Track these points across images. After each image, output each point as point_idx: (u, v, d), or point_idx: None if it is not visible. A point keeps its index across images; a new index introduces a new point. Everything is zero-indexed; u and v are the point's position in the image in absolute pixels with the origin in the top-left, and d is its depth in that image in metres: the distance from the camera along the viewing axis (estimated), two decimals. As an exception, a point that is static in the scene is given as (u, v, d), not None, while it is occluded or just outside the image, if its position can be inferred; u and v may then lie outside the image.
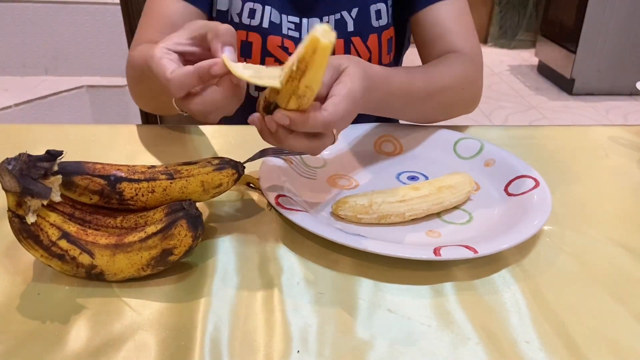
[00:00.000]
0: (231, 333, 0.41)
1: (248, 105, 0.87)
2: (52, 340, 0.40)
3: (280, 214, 0.55)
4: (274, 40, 0.77)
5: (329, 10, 0.78)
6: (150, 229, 0.45)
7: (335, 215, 0.55)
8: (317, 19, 0.78)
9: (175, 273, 0.48)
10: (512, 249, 0.49)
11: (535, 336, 0.42)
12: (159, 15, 0.75)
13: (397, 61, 0.90)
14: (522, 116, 2.77)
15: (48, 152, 0.42)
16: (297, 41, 0.78)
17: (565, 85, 3.06)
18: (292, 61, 0.44)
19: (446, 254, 0.47)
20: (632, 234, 0.55)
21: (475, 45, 0.77)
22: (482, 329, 0.42)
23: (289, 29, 0.78)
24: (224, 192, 0.51)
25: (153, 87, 0.70)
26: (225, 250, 0.51)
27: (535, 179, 0.59)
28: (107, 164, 0.48)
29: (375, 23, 0.79)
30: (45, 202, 0.43)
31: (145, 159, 0.68)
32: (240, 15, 0.77)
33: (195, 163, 0.50)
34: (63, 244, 0.44)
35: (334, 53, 0.78)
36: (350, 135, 0.70)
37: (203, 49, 0.51)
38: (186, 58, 0.52)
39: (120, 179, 0.47)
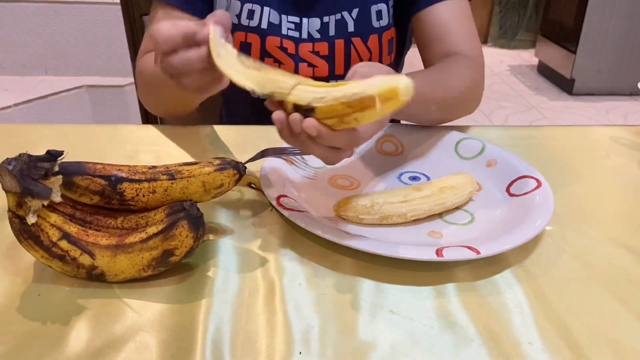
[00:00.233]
0: (233, 334, 0.41)
1: (248, 106, 0.87)
2: (52, 341, 0.40)
3: (281, 215, 0.55)
4: (272, 41, 0.77)
5: (329, 11, 0.78)
6: (151, 230, 0.45)
7: (336, 215, 0.55)
8: (318, 19, 0.78)
9: (176, 274, 0.47)
10: (514, 249, 0.49)
11: (538, 337, 0.42)
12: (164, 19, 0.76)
13: (398, 62, 0.90)
14: (522, 116, 2.77)
15: (48, 152, 0.42)
16: (296, 41, 0.78)
17: (565, 85, 3.06)
18: (356, 90, 0.42)
19: (448, 255, 0.47)
20: (633, 234, 0.55)
21: (477, 47, 0.77)
22: (485, 330, 0.42)
23: (288, 28, 0.78)
24: (225, 192, 0.51)
25: (163, 92, 0.71)
26: (227, 251, 0.51)
27: (537, 180, 0.59)
28: (108, 164, 0.48)
29: (375, 23, 0.79)
30: (45, 203, 0.43)
31: (145, 159, 0.68)
32: (239, 16, 0.77)
33: (196, 163, 0.50)
34: (64, 244, 0.44)
35: (333, 52, 0.79)
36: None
37: None
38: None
39: (121, 180, 0.47)
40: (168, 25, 0.48)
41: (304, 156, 0.65)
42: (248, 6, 0.76)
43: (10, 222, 0.43)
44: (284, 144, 0.65)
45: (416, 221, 0.55)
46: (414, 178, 0.64)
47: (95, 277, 0.45)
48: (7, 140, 0.73)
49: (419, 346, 0.41)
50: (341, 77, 0.81)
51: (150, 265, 0.45)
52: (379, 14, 0.78)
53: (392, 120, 0.98)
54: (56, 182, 0.43)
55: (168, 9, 0.74)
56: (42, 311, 0.43)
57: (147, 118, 1.05)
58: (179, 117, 0.82)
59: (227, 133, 0.75)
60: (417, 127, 0.72)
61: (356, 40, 0.79)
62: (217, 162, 0.51)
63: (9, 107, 1.82)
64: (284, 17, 0.78)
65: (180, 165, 0.50)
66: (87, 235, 0.45)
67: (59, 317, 0.42)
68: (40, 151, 0.42)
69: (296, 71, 0.79)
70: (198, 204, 0.48)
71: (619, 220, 0.58)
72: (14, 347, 0.40)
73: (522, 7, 3.75)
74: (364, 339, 0.41)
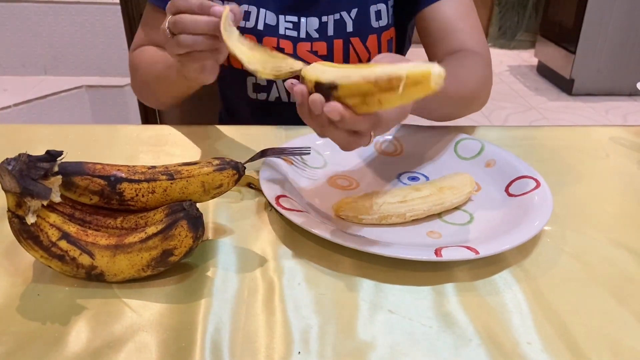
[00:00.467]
0: (232, 334, 0.41)
1: (248, 106, 0.86)
2: (52, 341, 0.40)
3: (280, 215, 0.55)
4: (269, 42, 0.77)
5: (328, 10, 0.78)
6: (151, 230, 0.45)
7: (336, 216, 0.55)
8: (316, 19, 0.78)
9: (175, 274, 0.47)
10: (513, 249, 0.49)
11: (537, 337, 0.42)
12: (153, 20, 0.79)
13: (397, 62, 0.90)
14: (521, 116, 2.77)
15: (48, 152, 0.42)
16: (294, 40, 0.78)
17: (565, 85, 3.06)
18: (387, 69, 0.41)
19: (447, 255, 0.47)
20: (633, 234, 0.55)
21: (484, 43, 0.77)
22: (484, 330, 0.42)
23: (286, 28, 0.78)
24: (224, 192, 0.51)
25: (160, 82, 0.75)
26: (226, 251, 0.51)
27: (536, 180, 0.59)
28: (107, 165, 0.48)
29: (375, 24, 0.79)
30: (45, 203, 0.43)
31: (145, 159, 0.68)
32: None
33: (195, 163, 0.50)
34: (63, 244, 0.44)
35: (332, 52, 0.79)
36: (351, 135, 0.70)
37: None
38: None
39: (121, 180, 0.47)
40: None
41: (303, 156, 0.65)
42: (244, 7, 0.77)
43: (9, 222, 0.43)
44: (283, 144, 0.65)
45: (415, 221, 0.55)
46: (413, 178, 0.64)
47: (94, 277, 0.45)
48: (6, 140, 0.73)
49: (418, 346, 0.41)
50: None
51: (149, 265, 0.45)
52: (378, 14, 0.78)
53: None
54: (56, 182, 0.43)
55: (158, 11, 0.77)
56: (41, 311, 0.43)
57: (147, 118, 1.05)
58: (169, 107, 0.85)
59: (227, 133, 0.75)
60: (416, 128, 0.72)
61: (355, 41, 0.79)
62: (217, 162, 0.51)
63: (9, 107, 1.82)
64: (281, 17, 0.78)
65: (179, 165, 0.50)
66: (87, 235, 0.45)
67: (59, 317, 0.42)
68: (40, 151, 0.42)
69: None
70: (197, 204, 0.48)
71: (618, 220, 0.58)
72: (13, 347, 0.40)
73: (521, 8, 3.75)
74: (363, 338, 0.41)
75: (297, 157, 0.64)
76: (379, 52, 0.80)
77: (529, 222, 0.52)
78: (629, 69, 2.92)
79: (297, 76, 0.48)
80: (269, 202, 0.54)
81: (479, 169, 0.65)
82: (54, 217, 0.44)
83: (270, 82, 0.81)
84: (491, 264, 0.50)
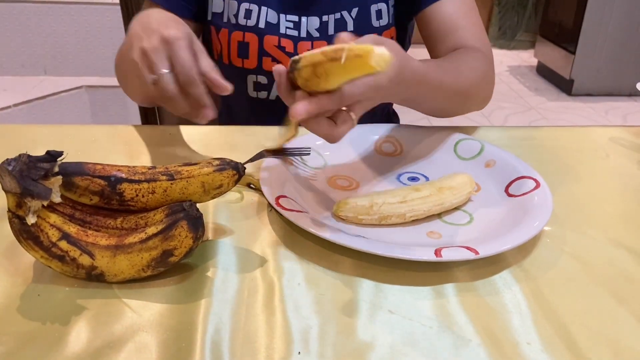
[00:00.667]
0: (232, 334, 0.41)
1: (248, 106, 0.86)
2: (52, 341, 0.40)
3: (280, 215, 0.55)
4: (270, 40, 0.77)
5: (328, 10, 0.78)
6: (151, 230, 0.45)
7: (336, 216, 0.55)
8: (317, 18, 0.78)
9: (175, 274, 0.48)
10: (513, 250, 0.49)
11: (537, 337, 0.42)
12: None
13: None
14: (521, 117, 2.77)
15: (48, 152, 0.42)
16: (295, 40, 0.78)
17: (565, 85, 3.06)
18: (338, 44, 0.43)
19: (447, 255, 0.47)
20: (633, 234, 0.55)
21: (485, 41, 0.77)
22: (484, 330, 0.42)
23: (287, 27, 0.78)
24: (224, 193, 0.51)
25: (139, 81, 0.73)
26: (226, 251, 0.51)
27: (535, 180, 0.59)
28: (108, 165, 0.48)
29: (375, 23, 0.79)
30: (45, 203, 0.43)
31: (145, 159, 0.68)
32: (236, 16, 0.77)
33: (195, 164, 0.50)
34: (63, 245, 0.44)
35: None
36: (351, 135, 0.70)
37: None
38: None
39: (121, 180, 0.47)
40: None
41: (303, 157, 0.65)
42: (245, 5, 0.76)
43: (10, 223, 0.43)
44: (283, 145, 0.65)
45: (415, 221, 0.56)
46: (413, 178, 0.64)
47: (94, 277, 0.45)
48: (6, 140, 0.73)
49: (418, 346, 0.41)
50: None
51: (149, 265, 0.45)
52: (379, 13, 0.79)
53: (392, 121, 0.98)
54: (56, 182, 0.43)
55: (156, 7, 0.75)
56: (41, 311, 0.43)
57: (147, 118, 1.05)
58: (149, 105, 0.83)
59: (227, 133, 0.75)
60: (416, 128, 0.72)
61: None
62: (217, 162, 0.51)
63: (9, 107, 1.82)
64: (282, 16, 0.78)
65: (179, 165, 0.50)
66: (87, 235, 0.45)
67: (59, 317, 0.42)
68: (40, 151, 0.42)
69: None
70: (197, 204, 0.48)
71: (618, 220, 0.58)
72: (13, 348, 0.40)
73: (521, 8, 3.75)
74: (363, 339, 0.41)
75: (297, 157, 0.64)
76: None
77: (528, 222, 0.52)
78: (628, 69, 2.92)
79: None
80: (269, 203, 0.54)
81: (479, 169, 0.65)
82: (54, 218, 0.44)
83: (271, 81, 0.81)
84: (491, 264, 0.50)
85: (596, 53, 2.89)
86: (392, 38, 0.82)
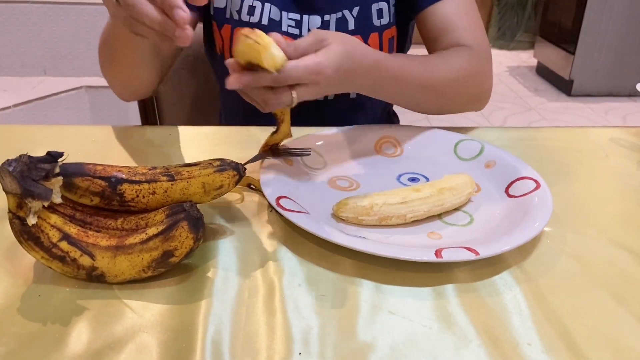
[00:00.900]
0: (232, 335, 0.41)
1: (249, 104, 0.87)
2: (52, 342, 0.40)
3: (281, 216, 0.55)
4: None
5: (330, 9, 0.78)
6: (151, 231, 0.45)
7: (336, 216, 0.55)
8: (318, 17, 0.78)
9: (176, 275, 0.48)
10: (513, 250, 0.49)
11: (537, 338, 0.42)
12: None
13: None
14: (521, 117, 2.78)
15: (49, 153, 0.42)
16: (296, 38, 0.78)
17: (564, 86, 3.07)
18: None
19: (447, 256, 0.47)
20: (633, 235, 0.55)
21: (481, 38, 0.77)
22: (484, 330, 0.42)
23: (289, 26, 0.78)
24: (225, 193, 0.51)
25: (121, 52, 0.72)
26: (226, 252, 0.51)
27: (536, 181, 0.59)
28: (108, 166, 0.48)
29: (376, 22, 0.79)
30: (46, 204, 0.43)
31: (145, 160, 0.68)
32: (239, 12, 0.77)
33: (196, 164, 0.50)
34: (64, 245, 0.44)
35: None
36: (351, 136, 0.70)
37: None
38: None
39: (121, 181, 0.47)
40: None
41: (303, 157, 0.65)
42: (248, 2, 0.77)
43: (10, 223, 0.43)
44: (284, 145, 0.65)
45: (415, 222, 0.56)
46: (413, 179, 0.64)
47: (95, 278, 0.45)
48: (6, 141, 0.73)
49: (419, 347, 0.41)
50: None
51: (150, 266, 0.45)
52: (380, 12, 0.79)
53: (392, 121, 0.99)
54: (56, 183, 0.43)
55: None
56: (42, 312, 0.43)
57: (147, 118, 1.05)
58: (139, 90, 0.81)
59: (227, 133, 0.75)
60: (416, 128, 0.72)
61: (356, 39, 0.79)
62: (217, 163, 0.51)
63: (9, 107, 1.82)
64: (284, 14, 0.78)
65: (180, 166, 0.50)
66: (87, 236, 0.45)
67: (59, 318, 0.43)
68: (40, 152, 0.42)
69: None
70: (198, 205, 0.48)
71: (618, 221, 0.58)
72: (14, 348, 0.40)
73: (520, 8, 3.75)
74: (364, 339, 0.41)
75: (297, 157, 0.64)
76: (381, 50, 0.80)
77: (528, 223, 0.52)
78: (628, 69, 2.93)
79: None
80: (270, 203, 0.54)
81: (479, 170, 0.65)
82: (54, 218, 0.44)
83: None
84: (491, 265, 0.50)
85: (596, 54, 2.89)
86: (393, 37, 0.82)
